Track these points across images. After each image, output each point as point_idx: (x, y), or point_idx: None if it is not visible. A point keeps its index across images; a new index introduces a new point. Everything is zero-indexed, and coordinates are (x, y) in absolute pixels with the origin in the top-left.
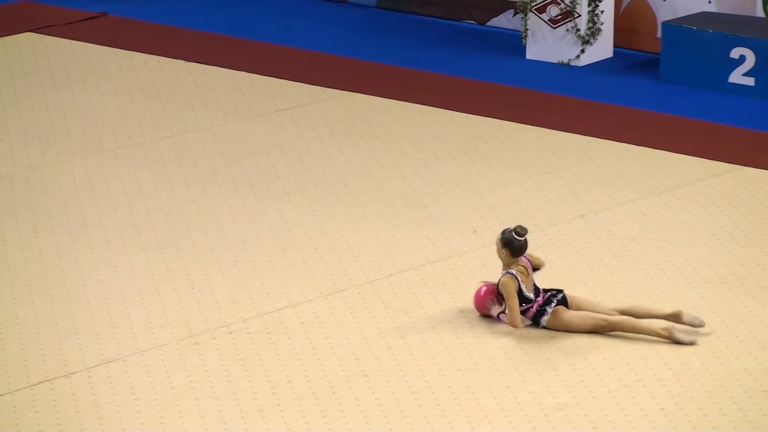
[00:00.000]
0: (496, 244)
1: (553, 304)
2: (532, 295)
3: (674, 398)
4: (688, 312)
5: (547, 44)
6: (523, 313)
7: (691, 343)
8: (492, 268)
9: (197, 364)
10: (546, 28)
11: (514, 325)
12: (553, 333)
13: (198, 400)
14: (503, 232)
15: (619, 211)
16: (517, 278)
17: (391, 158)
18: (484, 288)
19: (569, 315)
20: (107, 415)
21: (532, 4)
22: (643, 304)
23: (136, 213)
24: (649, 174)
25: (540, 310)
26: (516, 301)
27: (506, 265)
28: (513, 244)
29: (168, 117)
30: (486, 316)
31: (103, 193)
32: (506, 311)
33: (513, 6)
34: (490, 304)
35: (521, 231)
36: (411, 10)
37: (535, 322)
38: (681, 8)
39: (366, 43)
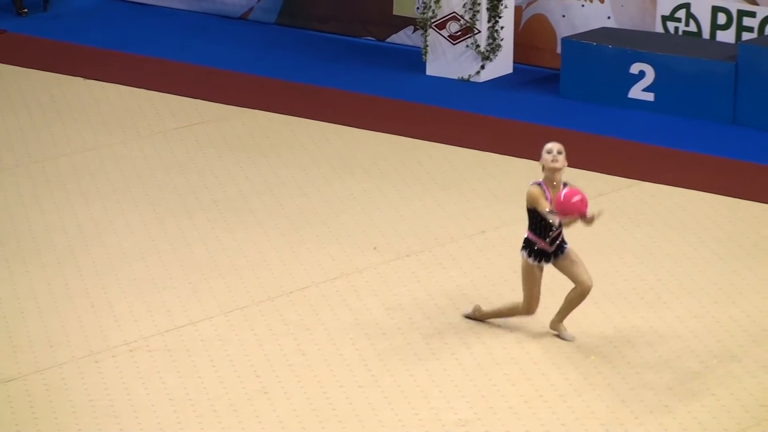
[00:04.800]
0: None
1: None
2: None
3: (575, 413)
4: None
5: (447, 60)
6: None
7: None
8: (392, 285)
9: (97, 383)
10: (446, 44)
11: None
12: (453, 348)
13: (98, 418)
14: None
15: (520, 227)
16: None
17: (291, 175)
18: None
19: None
20: None
21: (432, 21)
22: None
23: (35, 230)
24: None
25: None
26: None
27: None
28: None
29: (67, 134)
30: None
31: (2, 211)
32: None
33: (413, 22)
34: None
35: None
36: (310, 26)
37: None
38: (580, 24)
39: (266, 59)
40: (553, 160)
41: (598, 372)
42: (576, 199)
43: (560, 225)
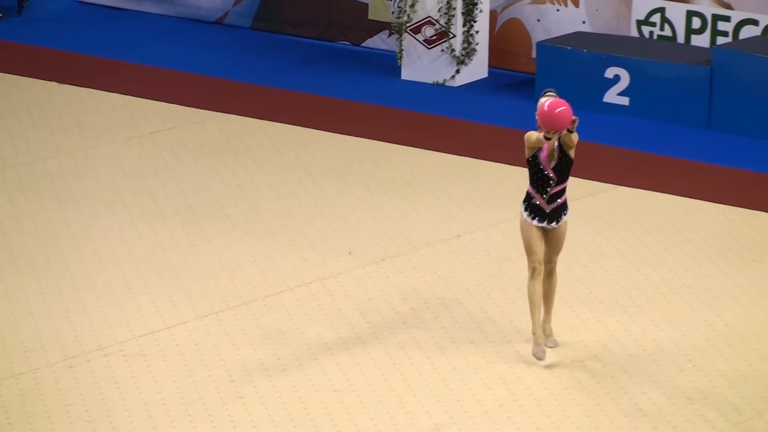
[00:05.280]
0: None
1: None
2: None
3: (550, 417)
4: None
5: (422, 65)
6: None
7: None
8: (367, 289)
9: (72, 388)
10: (421, 48)
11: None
12: (428, 353)
13: (73, 423)
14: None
15: (494, 230)
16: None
17: (267, 180)
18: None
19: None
20: None
21: (407, 25)
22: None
23: (9, 235)
24: (523, 194)
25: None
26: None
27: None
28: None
29: (41, 139)
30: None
31: None
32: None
33: (388, 27)
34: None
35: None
36: (286, 31)
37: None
38: (556, 28)
39: (241, 64)
40: None
41: (573, 376)
42: (560, 109)
43: (559, 179)
